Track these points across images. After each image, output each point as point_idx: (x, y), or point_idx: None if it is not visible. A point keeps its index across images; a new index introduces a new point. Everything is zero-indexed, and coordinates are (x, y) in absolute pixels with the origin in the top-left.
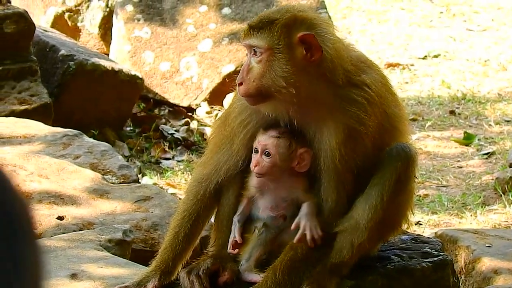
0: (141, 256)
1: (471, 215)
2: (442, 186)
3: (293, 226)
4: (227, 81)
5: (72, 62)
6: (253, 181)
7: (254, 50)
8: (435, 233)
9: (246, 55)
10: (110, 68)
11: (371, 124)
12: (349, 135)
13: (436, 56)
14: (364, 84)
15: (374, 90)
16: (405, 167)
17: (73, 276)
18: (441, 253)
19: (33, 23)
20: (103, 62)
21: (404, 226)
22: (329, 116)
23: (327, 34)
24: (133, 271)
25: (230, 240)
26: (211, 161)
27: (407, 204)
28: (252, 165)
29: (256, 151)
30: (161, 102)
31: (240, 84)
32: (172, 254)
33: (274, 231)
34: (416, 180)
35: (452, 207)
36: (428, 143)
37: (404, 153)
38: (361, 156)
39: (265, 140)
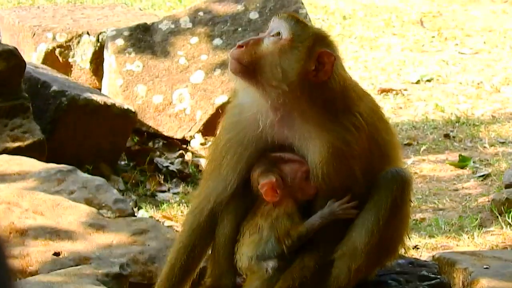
0: None
1: (468, 238)
2: (438, 210)
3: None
4: (220, 112)
5: (64, 98)
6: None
7: (278, 32)
8: (433, 256)
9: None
10: (102, 103)
11: (357, 148)
12: (334, 155)
13: (429, 80)
14: (356, 111)
15: (365, 118)
16: (400, 190)
17: None
18: (438, 276)
19: (24, 60)
20: (95, 97)
21: (401, 250)
22: (315, 134)
23: (340, 68)
24: None
25: None
26: (203, 189)
27: (403, 228)
28: (314, 190)
29: (307, 177)
30: (155, 135)
31: (240, 47)
32: (168, 286)
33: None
34: (411, 203)
35: (449, 230)
36: (423, 167)
37: (399, 176)
38: (346, 178)
39: (304, 162)
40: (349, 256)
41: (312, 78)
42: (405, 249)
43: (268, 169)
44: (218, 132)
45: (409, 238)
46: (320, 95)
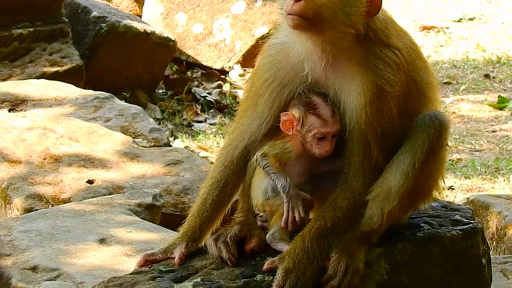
0: (171, 220)
1: (504, 180)
2: (475, 151)
3: None
4: (260, 43)
5: (104, 24)
6: (298, 149)
7: None
8: (467, 198)
9: None
10: (142, 30)
11: (397, 88)
12: (377, 95)
13: (471, 19)
14: (395, 47)
15: (405, 55)
16: (438, 134)
17: (102, 241)
18: (472, 221)
19: None
20: (135, 24)
21: (435, 195)
22: (358, 74)
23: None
24: (162, 236)
25: (291, 216)
26: (237, 126)
27: (439, 172)
28: (323, 153)
29: (322, 138)
30: (194, 65)
31: (298, 0)
32: (199, 221)
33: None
34: (448, 148)
35: (485, 171)
36: (462, 107)
37: (437, 120)
38: (386, 118)
39: (330, 125)
40: (383, 198)
41: (365, 15)
42: (439, 193)
43: (299, 106)
44: (254, 69)
45: (444, 182)
46: (366, 31)
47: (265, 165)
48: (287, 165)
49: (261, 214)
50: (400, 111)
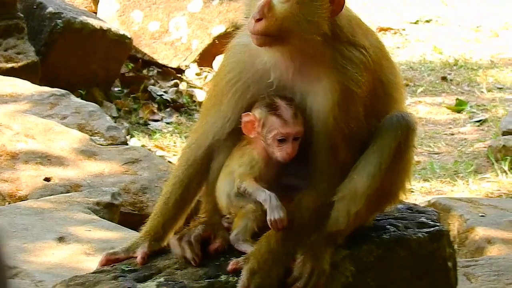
0: (129, 220)
1: (463, 183)
2: (433, 153)
3: None
4: (217, 42)
5: (60, 20)
6: (263, 156)
7: None
8: (428, 201)
9: None
10: (98, 27)
11: (364, 88)
12: (344, 96)
13: (428, 21)
14: (362, 46)
15: (372, 54)
16: (405, 135)
17: (61, 239)
18: (437, 224)
19: None
20: (91, 21)
21: (401, 196)
22: (325, 76)
23: None
24: (121, 235)
25: (274, 217)
26: (201, 125)
27: (405, 174)
28: (284, 156)
29: (283, 140)
30: (150, 63)
31: (259, 20)
32: (162, 220)
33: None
34: (415, 149)
35: (444, 174)
36: (419, 109)
37: (404, 121)
38: (353, 119)
39: (290, 126)
40: (349, 200)
41: (329, 14)
42: (405, 194)
43: (261, 107)
44: (218, 69)
45: (410, 184)
46: (332, 30)
47: (244, 189)
48: (264, 171)
49: (228, 216)
50: (366, 112)
